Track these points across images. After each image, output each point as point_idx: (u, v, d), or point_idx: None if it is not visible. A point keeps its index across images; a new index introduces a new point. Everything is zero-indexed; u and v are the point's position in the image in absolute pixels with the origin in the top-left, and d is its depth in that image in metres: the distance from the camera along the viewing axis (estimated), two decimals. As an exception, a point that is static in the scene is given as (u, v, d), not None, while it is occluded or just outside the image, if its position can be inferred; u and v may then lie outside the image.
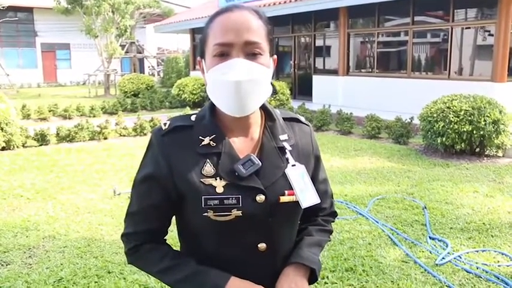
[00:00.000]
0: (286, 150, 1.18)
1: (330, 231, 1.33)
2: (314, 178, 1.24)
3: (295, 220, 1.21)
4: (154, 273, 1.17)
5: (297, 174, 1.15)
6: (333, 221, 1.35)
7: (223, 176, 1.10)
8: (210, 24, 1.12)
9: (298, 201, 1.13)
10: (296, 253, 1.19)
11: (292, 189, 1.13)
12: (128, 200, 5.05)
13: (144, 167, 1.16)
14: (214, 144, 1.12)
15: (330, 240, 1.33)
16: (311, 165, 1.24)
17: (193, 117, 1.18)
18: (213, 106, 1.17)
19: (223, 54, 1.08)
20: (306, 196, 1.14)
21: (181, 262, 1.14)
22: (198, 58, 1.18)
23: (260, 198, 1.10)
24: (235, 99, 1.07)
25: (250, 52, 1.08)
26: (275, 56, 1.19)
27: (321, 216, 1.32)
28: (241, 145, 1.15)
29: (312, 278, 1.19)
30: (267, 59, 1.13)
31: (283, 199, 1.13)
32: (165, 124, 1.16)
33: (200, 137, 1.13)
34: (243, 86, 1.06)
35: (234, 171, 1.10)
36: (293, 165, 1.16)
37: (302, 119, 1.29)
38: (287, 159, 1.17)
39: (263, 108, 1.19)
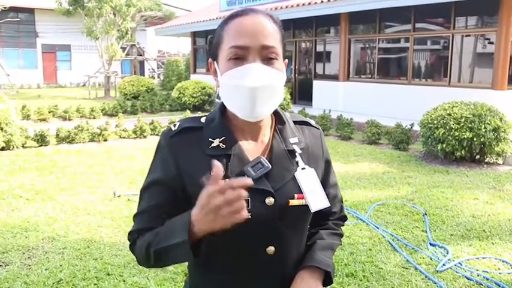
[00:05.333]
0: (296, 154, 1.17)
1: (341, 235, 1.32)
2: (324, 182, 1.23)
3: (304, 224, 1.20)
4: (146, 253, 1.09)
5: (306, 177, 1.14)
6: (343, 225, 1.35)
7: (232, 178, 1.08)
8: (224, 27, 1.11)
9: (307, 205, 1.12)
10: (310, 256, 1.18)
11: (302, 192, 1.12)
12: (127, 202, 5.09)
13: (153, 171, 1.16)
14: (224, 146, 1.12)
15: (341, 244, 1.32)
16: (321, 169, 1.23)
17: (203, 119, 1.17)
18: (223, 108, 1.16)
19: (239, 57, 1.07)
20: (316, 200, 1.13)
21: (162, 228, 1.08)
22: (210, 60, 1.17)
23: (269, 200, 1.09)
24: (250, 104, 1.06)
25: (266, 57, 1.08)
26: (286, 60, 1.18)
27: (331, 220, 1.31)
28: (251, 147, 1.15)
29: (327, 281, 1.18)
30: (282, 63, 1.12)
31: (292, 202, 1.12)
32: (174, 125, 1.16)
33: (210, 139, 1.12)
34: (258, 92, 1.05)
35: (243, 173, 1.09)
36: (303, 169, 1.15)
37: (312, 122, 1.28)
38: (297, 163, 1.16)
39: (273, 111, 1.18)
